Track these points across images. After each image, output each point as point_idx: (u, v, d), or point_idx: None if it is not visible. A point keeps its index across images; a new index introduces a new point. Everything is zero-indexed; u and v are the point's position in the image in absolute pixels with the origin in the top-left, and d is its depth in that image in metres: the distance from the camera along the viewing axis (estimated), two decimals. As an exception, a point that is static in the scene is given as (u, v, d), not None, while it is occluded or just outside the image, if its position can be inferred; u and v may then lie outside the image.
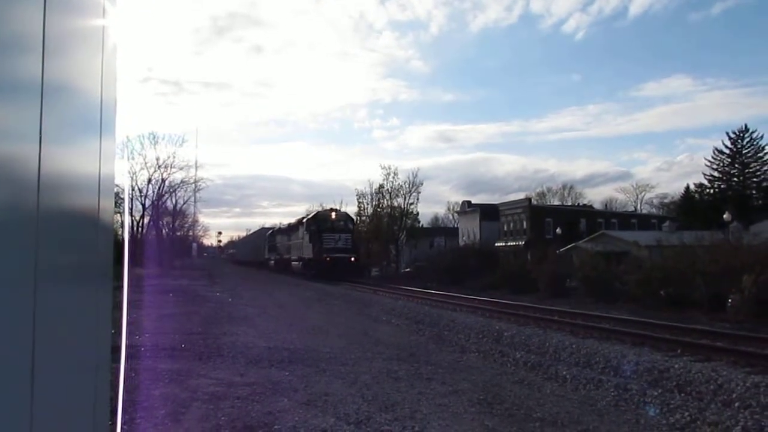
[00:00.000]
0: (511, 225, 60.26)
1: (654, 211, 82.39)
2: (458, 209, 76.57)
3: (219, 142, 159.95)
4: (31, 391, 1.31)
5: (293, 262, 48.52)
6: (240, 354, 10.65)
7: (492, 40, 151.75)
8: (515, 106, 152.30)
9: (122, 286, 2.49)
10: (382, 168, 59.49)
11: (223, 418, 6.59)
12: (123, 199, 21.78)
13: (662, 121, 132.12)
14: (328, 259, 39.04)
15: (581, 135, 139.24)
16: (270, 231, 69.91)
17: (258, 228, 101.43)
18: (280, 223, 66.47)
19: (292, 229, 52.19)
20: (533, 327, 14.36)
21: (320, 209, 49.06)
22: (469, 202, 71.68)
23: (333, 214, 44.27)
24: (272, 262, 62.03)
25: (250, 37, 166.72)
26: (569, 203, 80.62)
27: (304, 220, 46.11)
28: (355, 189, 66.87)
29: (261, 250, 72.90)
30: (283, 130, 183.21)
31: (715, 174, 65.31)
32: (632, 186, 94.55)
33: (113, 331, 2.40)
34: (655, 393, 7.95)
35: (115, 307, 2.26)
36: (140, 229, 55.56)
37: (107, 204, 2.10)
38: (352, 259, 40.73)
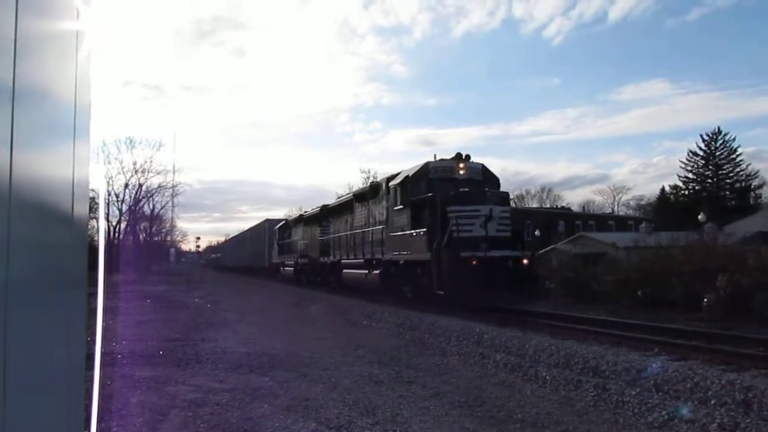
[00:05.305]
0: (491, 228, 60.41)
1: (631, 212, 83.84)
2: (438, 212, 76.60)
3: (199, 146, 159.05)
4: (3, 399, 1.28)
5: (347, 270, 25.05)
6: (219, 360, 10.55)
7: (474, 44, 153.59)
8: (496, 109, 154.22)
9: (97, 293, 2.45)
10: (362, 171, 59.16)
11: (202, 425, 6.52)
12: (98, 203, 21.50)
13: (640, 124, 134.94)
14: (473, 261, 16.44)
15: (561, 138, 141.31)
16: (282, 222, 44.98)
17: (248, 226, 76.46)
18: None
19: (339, 210, 27.88)
20: (513, 329, 14.44)
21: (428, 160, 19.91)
22: (448, 205, 71.71)
23: (462, 167, 19.44)
24: (288, 268, 39.38)
25: (233, 41, 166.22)
26: (548, 206, 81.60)
27: (391, 183, 20.53)
28: (336, 192, 66.28)
29: (262, 252, 52.21)
30: (265, 133, 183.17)
31: (690, 176, 66.74)
32: (609, 188, 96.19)
33: (88, 339, 2.36)
34: (633, 392, 8.04)
35: (90, 313, 2.22)
36: (117, 234, 54.93)
37: (82, 209, 2.06)
38: (525, 260, 17.85)
